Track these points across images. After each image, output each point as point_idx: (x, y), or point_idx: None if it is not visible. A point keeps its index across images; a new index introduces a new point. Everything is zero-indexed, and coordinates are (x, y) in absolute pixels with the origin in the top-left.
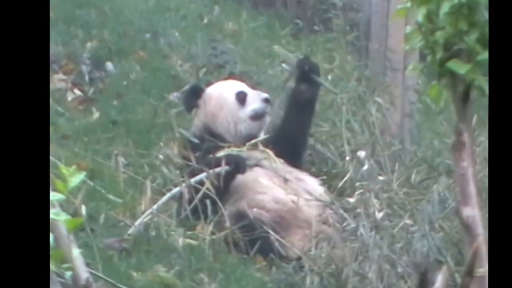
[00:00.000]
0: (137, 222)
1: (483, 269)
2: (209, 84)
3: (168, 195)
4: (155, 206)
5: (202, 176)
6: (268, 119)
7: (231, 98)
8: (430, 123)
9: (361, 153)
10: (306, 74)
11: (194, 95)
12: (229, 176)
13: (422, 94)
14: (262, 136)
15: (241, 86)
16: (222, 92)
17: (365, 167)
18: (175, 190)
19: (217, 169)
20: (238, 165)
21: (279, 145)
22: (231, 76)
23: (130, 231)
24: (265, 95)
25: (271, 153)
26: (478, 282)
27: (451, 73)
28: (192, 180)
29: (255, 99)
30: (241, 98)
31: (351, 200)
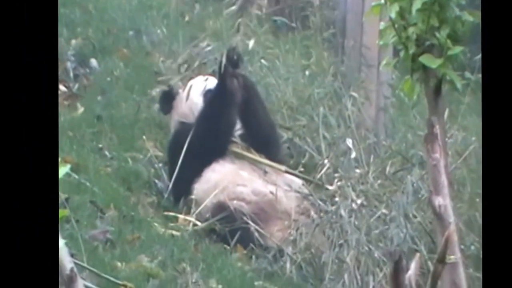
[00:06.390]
0: None
1: (454, 256)
2: (189, 80)
3: None
4: None
5: None
6: None
7: (198, 99)
8: (403, 117)
9: (349, 141)
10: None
11: (168, 99)
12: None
13: (396, 89)
14: None
15: (208, 83)
16: (190, 94)
17: (353, 155)
18: None
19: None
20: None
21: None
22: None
23: None
24: None
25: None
26: (449, 269)
27: (424, 68)
28: None
29: None
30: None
31: (330, 187)
